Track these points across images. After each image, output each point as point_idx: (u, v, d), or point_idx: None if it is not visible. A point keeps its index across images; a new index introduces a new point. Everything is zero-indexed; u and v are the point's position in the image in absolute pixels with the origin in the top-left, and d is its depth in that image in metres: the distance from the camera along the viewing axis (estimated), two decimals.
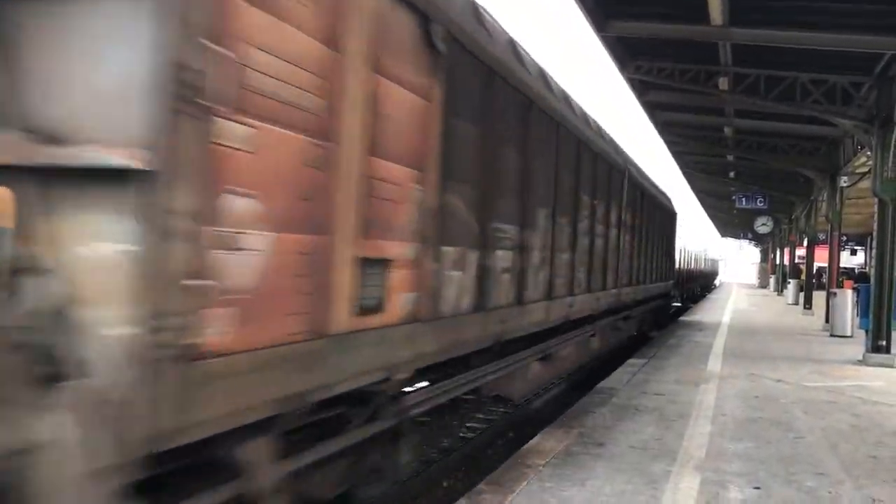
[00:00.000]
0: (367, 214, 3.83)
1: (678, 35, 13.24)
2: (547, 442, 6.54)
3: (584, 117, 9.30)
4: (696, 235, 33.07)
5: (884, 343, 12.86)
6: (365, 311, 3.86)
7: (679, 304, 25.02)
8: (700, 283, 37.05)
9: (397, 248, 4.24)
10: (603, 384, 9.73)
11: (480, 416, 8.76)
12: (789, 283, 33.03)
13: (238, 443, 3.13)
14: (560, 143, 7.71)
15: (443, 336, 4.96)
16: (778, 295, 38.75)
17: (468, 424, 8.54)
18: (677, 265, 14.20)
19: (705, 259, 41.97)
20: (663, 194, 17.15)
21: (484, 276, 5.71)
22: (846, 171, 19.93)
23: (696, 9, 11.45)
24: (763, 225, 37.13)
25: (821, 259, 28.88)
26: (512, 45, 6.50)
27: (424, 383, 5.47)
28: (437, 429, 7.14)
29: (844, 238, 35.15)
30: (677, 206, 21.33)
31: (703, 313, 24.81)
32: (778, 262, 44.15)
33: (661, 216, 16.74)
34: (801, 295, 27.95)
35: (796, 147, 21.92)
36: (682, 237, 17.32)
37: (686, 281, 18.11)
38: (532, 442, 6.58)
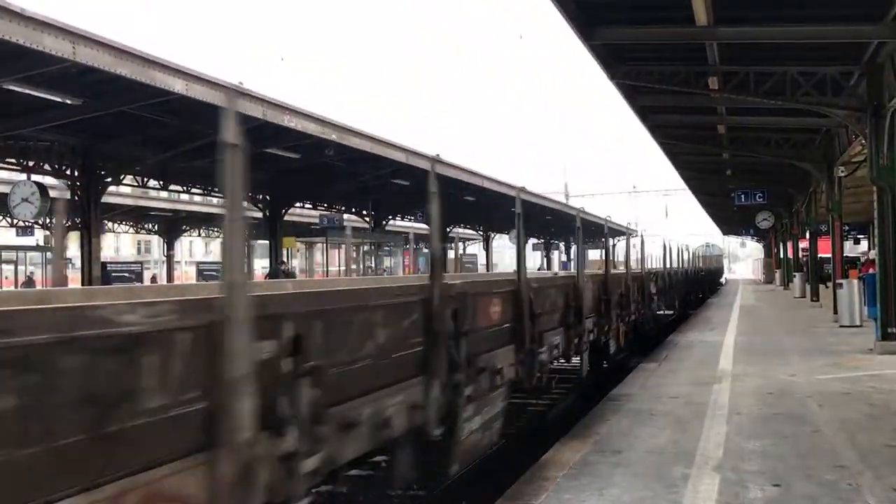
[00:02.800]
0: None
1: (664, 37, 13.33)
2: (563, 453, 6.51)
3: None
4: (685, 242, 32.47)
5: (893, 330, 12.81)
6: None
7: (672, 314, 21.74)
8: (704, 285, 36.09)
9: None
10: (616, 390, 9.70)
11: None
12: (795, 276, 32.98)
13: None
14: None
15: None
16: (784, 289, 38.66)
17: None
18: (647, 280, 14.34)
19: (703, 262, 41.32)
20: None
21: None
22: (843, 160, 19.95)
23: (680, 10, 11.52)
24: (764, 220, 37.17)
25: (825, 250, 28.82)
26: None
27: None
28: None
29: (846, 227, 35.14)
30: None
31: (712, 312, 24.74)
32: (782, 256, 44.12)
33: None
34: (808, 287, 27.91)
35: (791, 140, 21.97)
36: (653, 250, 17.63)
37: (669, 289, 17.34)
38: (548, 454, 6.56)
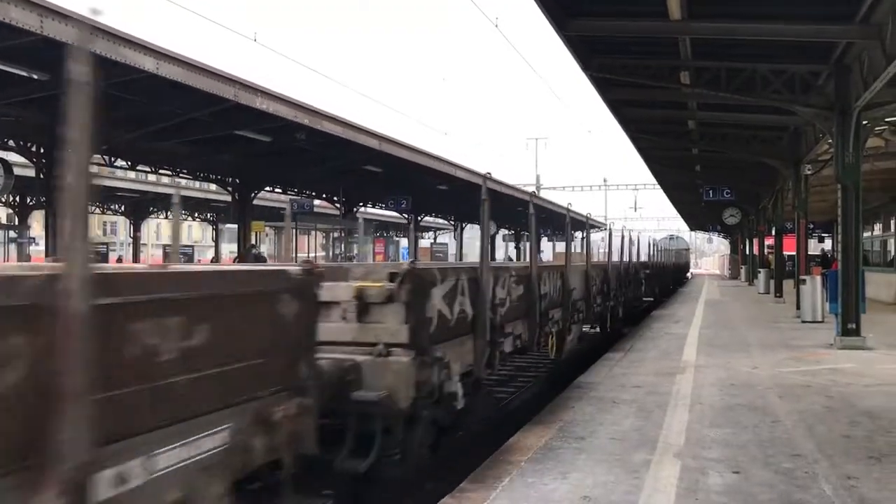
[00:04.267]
0: None
1: (638, 31, 13.40)
2: (527, 438, 6.57)
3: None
4: (653, 237, 32.61)
5: (853, 326, 13.07)
6: None
7: (651, 299, 24.82)
8: (669, 280, 35.97)
9: None
10: (581, 378, 9.79)
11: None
12: (760, 272, 33.45)
13: None
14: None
15: None
16: (749, 285, 39.20)
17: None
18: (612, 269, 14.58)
19: (668, 256, 41.04)
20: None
21: None
22: (809, 158, 20.23)
23: (655, 4, 11.59)
24: (731, 216, 37.55)
25: (790, 248, 29.26)
26: None
27: None
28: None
29: (811, 226, 35.71)
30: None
31: (677, 306, 25.03)
32: (747, 252, 44.70)
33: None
34: (772, 283, 28.33)
35: (759, 137, 22.24)
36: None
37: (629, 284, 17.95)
38: (512, 439, 6.61)
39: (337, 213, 35.61)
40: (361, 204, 37.15)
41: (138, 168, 25.91)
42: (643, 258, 23.56)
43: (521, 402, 10.33)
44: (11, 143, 18.92)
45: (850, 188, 13.22)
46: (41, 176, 19.02)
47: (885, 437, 6.56)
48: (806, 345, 13.46)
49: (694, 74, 14.82)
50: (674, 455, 5.96)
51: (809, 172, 20.53)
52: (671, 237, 66.31)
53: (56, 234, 18.56)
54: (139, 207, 40.14)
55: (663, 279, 31.57)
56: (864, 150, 13.99)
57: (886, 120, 16.28)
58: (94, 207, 40.43)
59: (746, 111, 18.33)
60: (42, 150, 19.03)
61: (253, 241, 30.95)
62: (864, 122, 13.58)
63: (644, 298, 22.78)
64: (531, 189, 51.20)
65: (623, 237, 17.46)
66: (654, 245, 27.23)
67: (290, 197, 32.86)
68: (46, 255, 19.10)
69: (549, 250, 53.38)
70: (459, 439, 7.98)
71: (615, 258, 16.19)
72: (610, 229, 16.28)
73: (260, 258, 29.57)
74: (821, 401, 8.24)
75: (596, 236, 19.08)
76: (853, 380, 9.63)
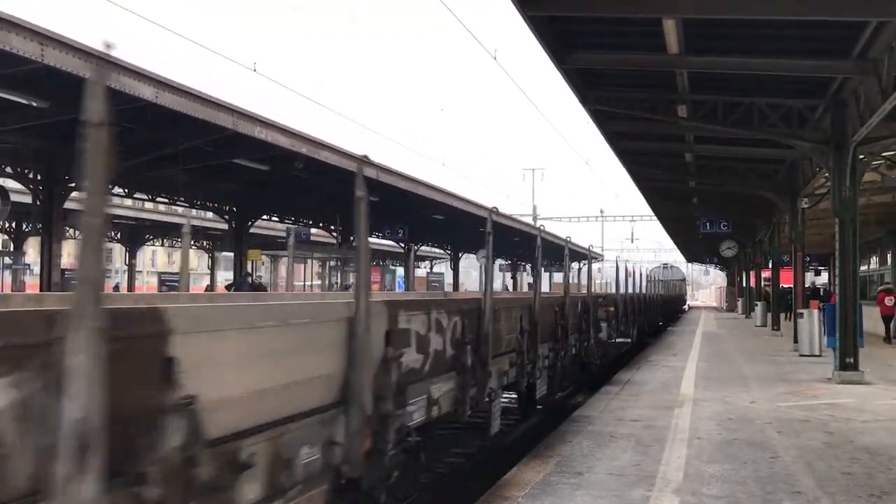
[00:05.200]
0: None
1: (637, 65, 13.50)
2: (525, 473, 6.48)
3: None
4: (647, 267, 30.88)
5: (851, 360, 13.00)
6: None
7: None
8: (657, 316, 29.39)
9: None
10: (579, 412, 9.70)
11: (458, 449, 8.68)
12: (757, 305, 33.43)
13: None
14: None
15: None
16: (746, 317, 39.14)
17: (446, 459, 8.46)
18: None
19: (660, 287, 34.53)
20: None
21: None
22: (806, 192, 20.30)
23: (653, 38, 11.68)
24: (728, 249, 37.61)
25: (787, 280, 29.29)
26: None
27: None
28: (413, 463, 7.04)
29: (808, 259, 35.78)
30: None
31: (667, 349, 24.94)
32: (744, 285, 44.71)
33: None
34: (769, 316, 28.29)
35: (756, 171, 22.33)
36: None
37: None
38: (510, 473, 6.52)
39: (334, 241, 35.61)
40: None
41: (135, 196, 25.92)
42: (632, 289, 20.29)
43: (519, 433, 10.23)
44: (9, 169, 18.92)
45: (847, 222, 13.23)
46: (38, 202, 19.00)
47: (885, 475, 6.49)
48: (804, 379, 13.38)
49: (691, 108, 14.90)
50: (672, 491, 5.88)
51: (806, 206, 20.59)
52: (665, 266, 63.56)
53: (51, 261, 18.52)
54: (135, 235, 40.11)
55: (651, 315, 26.38)
56: (861, 184, 14.04)
57: (882, 154, 16.36)
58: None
59: (743, 144, 18.42)
60: (39, 178, 19.04)
61: (248, 270, 30.87)
62: (861, 157, 13.65)
63: (620, 340, 18.16)
64: (528, 219, 51.30)
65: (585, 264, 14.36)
66: (633, 274, 21.21)
67: (287, 225, 32.87)
68: (41, 284, 19.05)
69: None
70: (455, 474, 7.90)
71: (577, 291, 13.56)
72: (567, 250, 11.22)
73: (259, 287, 29.47)
74: (820, 436, 8.16)
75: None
76: (852, 415, 9.55)
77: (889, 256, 25.99)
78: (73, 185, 19.68)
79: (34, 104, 14.51)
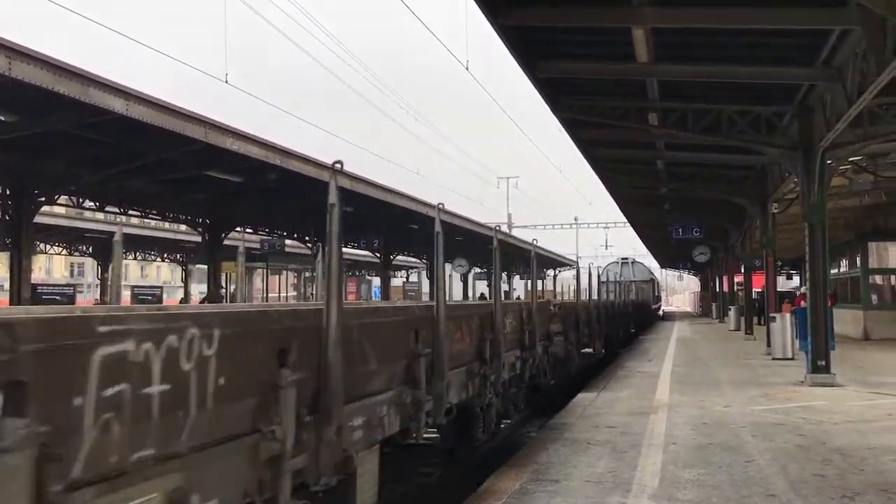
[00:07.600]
0: None
1: (606, 73, 13.62)
2: (502, 482, 6.49)
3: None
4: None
5: (823, 363, 13.15)
6: None
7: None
8: (618, 326, 23.93)
9: None
10: (555, 420, 9.73)
11: (436, 459, 8.66)
12: (730, 309, 33.72)
13: None
14: None
15: None
16: (720, 322, 39.48)
17: (423, 469, 8.44)
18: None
19: (619, 289, 27.32)
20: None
21: None
22: (776, 197, 20.54)
23: (622, 46, 11.79)
24: (701, 254, 37.87)
25: (759, 285, 29.58)
26: None
27: None
28: (391, 473, 7.02)
29: (779, 263, 36.12)
30: None
31: (642, 355, 25.08)
32: (718, 289, 45.08)
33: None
34: (742, 320, 28.56)
35: (726, 177, 22.55)
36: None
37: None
38: (487, 482, 6.53)
39: (308, 252, 35.43)
40: None
41: (107, 209, 25.64)
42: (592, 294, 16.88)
43: (497, 442, 10.22)
44: None
45: (816, 226, 13.42)
46: (6, 217, 18.74)
47: (857, 476, 6.57)
48: (777, 382, 13.53)
49: (661, 115, 15.04)
50: (648, 497, 5.91)
51: (776, 211, 20.84)
52: (624, 261, 50.08)
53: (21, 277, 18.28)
54: (107, 248, 39.66)
55: (612, 325, 21.49)
56: (829, 188, 14.24)
57: (850, 159, 16.61)
58: (62, 249, 40.04)
59: (713, 151, 18.61)
60: (8, 192, 18.79)
61: (222, 283, 30.65)
62: (829, 162, 13.84)
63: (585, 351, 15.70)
64: (505, 228, 51.37)
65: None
66: (591, 276, 17.12)
67: (261, 237, 32.67)
68: (11, 298, 18.76)
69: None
70: (433, 484, 7.87)
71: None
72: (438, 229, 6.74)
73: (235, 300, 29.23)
74: (793, 439, 8.25)
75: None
76: (825, 417, 9.67)
77: (858, 259, 26.29)
78: (42, 199, 19.47)
79: (2, 118, 14.32)
